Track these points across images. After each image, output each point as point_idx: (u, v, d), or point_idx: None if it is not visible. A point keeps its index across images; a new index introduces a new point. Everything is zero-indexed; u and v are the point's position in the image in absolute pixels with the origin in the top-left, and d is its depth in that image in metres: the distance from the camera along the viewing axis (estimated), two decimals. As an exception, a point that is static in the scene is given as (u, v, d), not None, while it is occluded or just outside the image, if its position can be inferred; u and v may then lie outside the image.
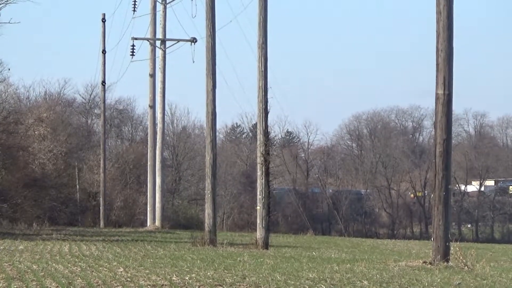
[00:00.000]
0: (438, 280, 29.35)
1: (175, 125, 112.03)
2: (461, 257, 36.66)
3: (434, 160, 38.14)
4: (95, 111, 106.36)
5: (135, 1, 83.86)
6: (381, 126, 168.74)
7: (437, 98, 37.84)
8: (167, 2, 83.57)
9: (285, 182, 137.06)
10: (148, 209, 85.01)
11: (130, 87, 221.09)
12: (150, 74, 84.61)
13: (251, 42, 56.93)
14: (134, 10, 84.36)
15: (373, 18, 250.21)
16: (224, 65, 75.78)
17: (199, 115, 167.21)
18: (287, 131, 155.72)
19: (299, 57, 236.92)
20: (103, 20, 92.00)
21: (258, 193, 50.94)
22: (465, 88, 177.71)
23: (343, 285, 26.69)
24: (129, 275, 28.28)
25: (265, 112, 50.93)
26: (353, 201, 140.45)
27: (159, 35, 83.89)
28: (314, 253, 47.75)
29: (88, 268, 30.88)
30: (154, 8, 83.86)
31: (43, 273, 27.92)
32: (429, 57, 35.61)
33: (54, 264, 31.92)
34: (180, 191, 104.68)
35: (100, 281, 26.06)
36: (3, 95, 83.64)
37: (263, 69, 50.98)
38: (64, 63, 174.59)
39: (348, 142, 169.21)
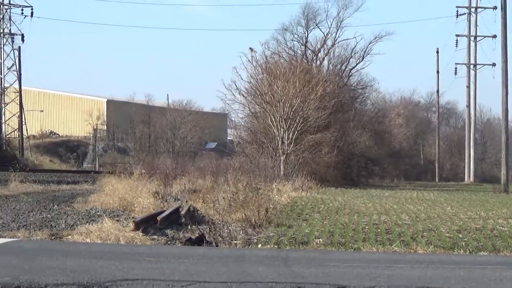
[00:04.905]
0: None
1: (482, 117, 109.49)
2: None
3: None
4: (433, 109, 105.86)
5: (456, 40, 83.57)
6: None
7: None
8: (477, 40, 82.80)
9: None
10: (465, 170, 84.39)
11: (454, 94, 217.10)
12: (466, 86, 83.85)
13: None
14: (456, 46, 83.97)
15: None
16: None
17: (497, 111, 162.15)
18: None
19: None
20: (437, 52, 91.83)
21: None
22: None
23: None
24: (453, 211, 27.72)
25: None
26: None
27: (472, 61, 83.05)
28: None
29: (428, 207, 30.38)
30: (469, 45, 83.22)
31: (400, 210, 27.81)
32: None
33: (407, 205, 31.59)
34: (485, 159, 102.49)
35: (435, 215, 25.57)
36: (375, 99, 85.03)
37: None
38: (411, 77, 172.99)
39: None
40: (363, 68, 72.44)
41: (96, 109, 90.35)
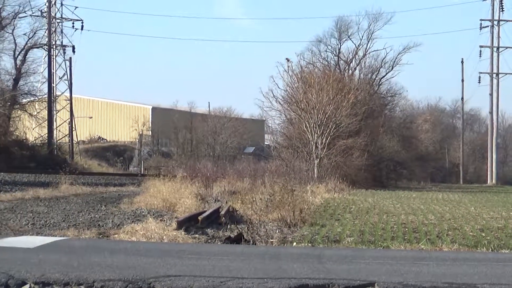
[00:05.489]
0: None
1: (504, 123, 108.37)
2: None
3: None
4: (457, 115, 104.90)
5: (480, 51, 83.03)
6: None
7: None
8: (500, 51, 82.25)
9: None
10: (488, 173, 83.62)
11: (477, 101, 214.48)
12: (489, 94, 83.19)
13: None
14: (480, 56, 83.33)
15: None
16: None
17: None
18: None
19: None
20: (462, 62, 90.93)
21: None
22: None
23: None
24: (477, 211, 27.53)
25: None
26: None
27: (495, 70, 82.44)
28: None
29: (452, 207, 30.22)
30: (492, 55, 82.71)
31: (426, 210, 27.67)
32: None
33: (433, 205, 31.48)
34: (507, 162, 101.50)
35: (460, 215, 25.42)
36: (404, 106, 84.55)
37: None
38: (437, 86, 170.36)
39: None
40: (392, 77, 72.46)
41: (142, 116, 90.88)
